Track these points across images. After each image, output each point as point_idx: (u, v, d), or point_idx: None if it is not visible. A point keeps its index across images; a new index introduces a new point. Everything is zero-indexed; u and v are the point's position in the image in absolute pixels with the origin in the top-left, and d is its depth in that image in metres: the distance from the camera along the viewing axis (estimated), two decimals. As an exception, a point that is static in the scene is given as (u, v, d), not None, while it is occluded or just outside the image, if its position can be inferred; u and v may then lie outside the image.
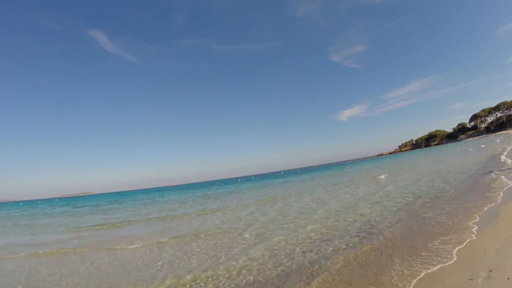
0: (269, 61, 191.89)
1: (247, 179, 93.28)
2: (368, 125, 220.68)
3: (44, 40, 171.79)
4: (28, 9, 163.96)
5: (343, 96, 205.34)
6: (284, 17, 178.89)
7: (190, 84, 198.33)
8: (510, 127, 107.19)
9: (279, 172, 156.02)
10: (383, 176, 21.78)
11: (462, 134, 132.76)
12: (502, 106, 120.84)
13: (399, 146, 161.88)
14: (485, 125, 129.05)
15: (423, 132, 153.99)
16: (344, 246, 5.66)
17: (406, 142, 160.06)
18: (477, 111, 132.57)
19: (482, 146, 44.23)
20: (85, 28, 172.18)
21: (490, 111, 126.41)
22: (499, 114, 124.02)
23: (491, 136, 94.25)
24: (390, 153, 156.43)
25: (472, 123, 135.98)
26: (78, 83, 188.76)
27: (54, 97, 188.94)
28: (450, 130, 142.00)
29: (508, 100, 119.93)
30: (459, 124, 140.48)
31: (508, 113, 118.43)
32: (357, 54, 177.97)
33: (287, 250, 5.90)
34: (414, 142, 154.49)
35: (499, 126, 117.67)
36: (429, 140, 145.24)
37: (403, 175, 21.07)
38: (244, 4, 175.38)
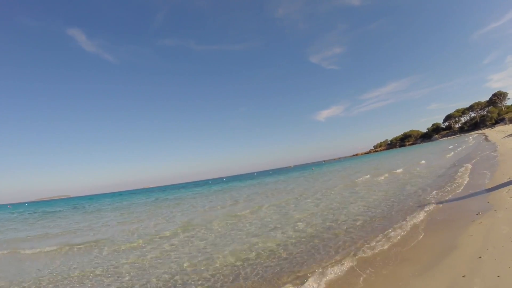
0: (248, 61, 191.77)
1: (219, 180, 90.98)
2: (346, 125, 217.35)
3: (21, 37, 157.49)
4: (4, 6, 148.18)
5: (322, 96, 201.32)
6: (264, 18, 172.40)
7: (168, 84, 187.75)
8: (483, 126, 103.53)
9: (253, 173, 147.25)
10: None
11: (436, 134, 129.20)
12: (475, 107, 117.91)
13: (374, 146, 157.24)
14: (459, 125, 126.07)
15: (400, 132, 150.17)
16: None
17: (381, 142, 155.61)
18: (452, 111, 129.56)
19: (471, 143, 38.25)
20: (63, 26, 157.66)
21: (464, 111, 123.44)
22: (472, 114, 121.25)
23: (476, 134, 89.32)
24: (365, 153, 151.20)
25: (446, 123, 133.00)
26: (55, 82, 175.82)
27: (30, 95, 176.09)
28: (425, 130, 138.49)
29: (482, 101, 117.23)
30: (433, 124, 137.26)
31: (482, 113, 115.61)
32: (336, 55, 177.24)
33: None
34: (389, 142, 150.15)
35: (472, 126, 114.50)
36: (404, 140, 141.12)
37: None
38: (223, 4, 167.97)
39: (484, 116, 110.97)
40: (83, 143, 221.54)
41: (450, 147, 39.57)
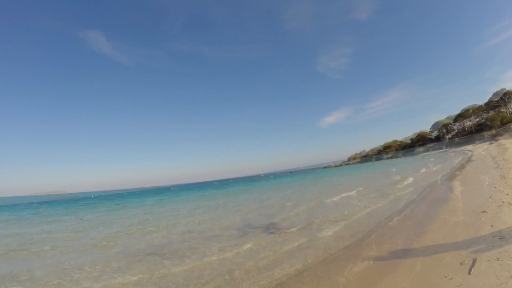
0: (258, 68, 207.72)
1: (226, 182, 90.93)
2: (348, 131, 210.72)
3: (42, 37, 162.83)
4: (27, 8, 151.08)
5: (326, 103, 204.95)
6: (275, 29, 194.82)
7: (179, 86, 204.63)
8: (479, 139, 74.24)
9: (257, 176, 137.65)
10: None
11: (420, 146, 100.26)
12: (471, 113, 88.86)
13: (348, 158, 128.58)
14: (450, 135, 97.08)
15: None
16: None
17: (356, 154, 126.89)
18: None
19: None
20: (84, 28, 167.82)
21: (456, 118, 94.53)
22: (468, 123, 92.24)
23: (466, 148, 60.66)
24: (335, 166, 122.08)
25: (436, 133, 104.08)
26: (66, 81, 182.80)
27: (38, 91, 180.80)
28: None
29: (480, 103, 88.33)
30: (419, 134, 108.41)
31: (480, 121, 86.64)
32: (341, 65, 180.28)
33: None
34: (365, 155, 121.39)
35: (465, 137, 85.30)
36: (382, 152, 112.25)
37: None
38: (238, 14, 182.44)
39: (482, 125, 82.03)
40: (91, 142, 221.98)
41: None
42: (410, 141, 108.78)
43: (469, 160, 26.13)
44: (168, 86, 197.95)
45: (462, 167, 21.50)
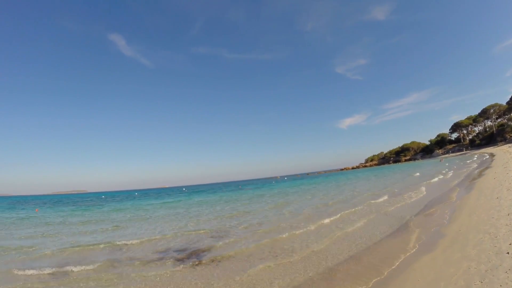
0: (276, 70, 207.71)
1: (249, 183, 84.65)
2: (367, 133, 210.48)
3: (66, 40, 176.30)
4: (51, 11, 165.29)
5: (345, 105, 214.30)
6: (293, 31, 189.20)
7: (198, 88, 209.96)
8: (501, 140, 74.00)
9: (272, 178, 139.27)
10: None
11: (439, 148, 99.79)
12: (491, 112, 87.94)
13: (365, 160, 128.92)
14: (471, 137, 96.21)
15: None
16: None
17: (373, 156, 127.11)
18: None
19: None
20: (105, 31, 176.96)
21: (475, 118, 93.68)
22: (488, 123, 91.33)
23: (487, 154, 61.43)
24: (352, 168, 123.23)
25: (455, 134, 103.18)
26: (88, 81, 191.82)
27: (58, 92, 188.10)
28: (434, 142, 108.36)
29: (501, 103, 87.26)
30: (438, 135, 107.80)
31: (501, 121, 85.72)
32: (360, 66, 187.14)
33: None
34: (382, 157, 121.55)
35: (487, 138, 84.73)
36: (400, 155, 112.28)
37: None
38: (257, 16, 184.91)
39: (504, 125, 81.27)
40: (114, 142, 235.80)
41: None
42: (429, 143, 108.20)
43: (487, 167, 25.22)
44: (188, 88, 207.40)
45: (479, 175, 20.22)
